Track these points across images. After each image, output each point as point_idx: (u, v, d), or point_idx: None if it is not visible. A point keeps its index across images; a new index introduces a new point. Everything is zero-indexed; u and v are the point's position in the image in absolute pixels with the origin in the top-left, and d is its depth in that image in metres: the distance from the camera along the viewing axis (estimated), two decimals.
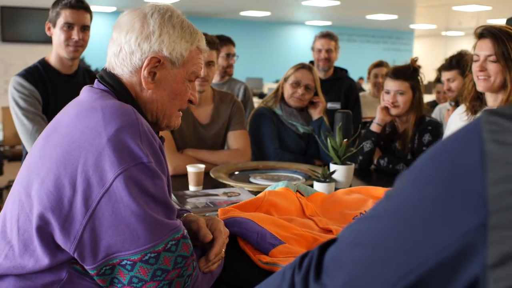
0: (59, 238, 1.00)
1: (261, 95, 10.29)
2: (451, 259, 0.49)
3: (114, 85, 1.17)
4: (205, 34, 2.44)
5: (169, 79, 1.20)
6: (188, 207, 1.74)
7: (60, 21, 2.37)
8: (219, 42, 3.42)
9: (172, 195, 1.87)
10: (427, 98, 5.65)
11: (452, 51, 3.47)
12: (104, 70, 1.21)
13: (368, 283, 0.55)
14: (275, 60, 14.29)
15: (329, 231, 1.49)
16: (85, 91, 1.17)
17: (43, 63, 2.48)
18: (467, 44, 2.25)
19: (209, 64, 2.42)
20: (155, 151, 1.05)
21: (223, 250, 1.22)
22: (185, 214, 1.32)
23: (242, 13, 12.87)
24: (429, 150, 0.57)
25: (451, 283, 0.50)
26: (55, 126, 1.10)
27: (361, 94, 4.04)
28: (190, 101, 1.28)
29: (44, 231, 1.01)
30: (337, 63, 3.71)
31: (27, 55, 6.01)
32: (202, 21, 12.93)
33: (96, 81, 1.20)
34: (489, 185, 0.48)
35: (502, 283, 0.46)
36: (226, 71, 3.51)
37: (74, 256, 1.01)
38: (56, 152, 1.03)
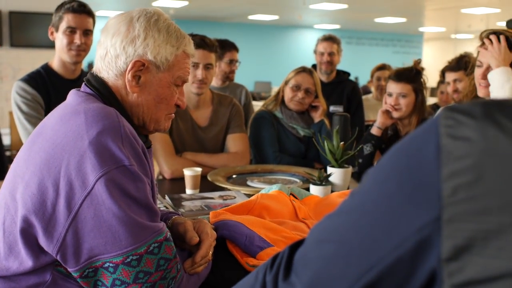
0: (42, 240, 1.00)
1: None
2: (410, 253, 0.50)
3: (99, 89, 1.18)
4: (204, 37, 2.47)
5: (154, 83, 1.20)
6: (182, 210, 1.74)
7: (63, 25, 2.39)
8: (223, 47, 3.44)
9: (167, 198, 1.87)
10: (433, 101, 5.61)
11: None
12: (91, 73, 1.22)
13: (332, 279, 0.56)
14: (284, 64, 14.27)
15: None
16: (71, 94, 1.18)
17: (46, 68, 2.49)
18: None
19: (207, 67, 2.42)
20: (138, 154, 1.06)
21: (210, 252, 1.22)
22: (173, 217, 1.32)
23: (251, 17, 12.90)
24: (392, 147, 0.57)
25: (411, 277, 0.50)
26: (41, 130, 1.11)
27: (364, 97, 4.03)
28: (177, 106, 1.28)
29: (27, 234, 1.01)
30: (346, 67, 3.70)
31: (35, 60, 6.06)
32: (211, 25, 12.98)
33: (83, 84, 1.20)
34: (443, 180, 0.48)
35: (455, 276, 0.46)
36: (228, 77, 3.51)
37: (57, 259, 1.01)
38: (40, 156, 1.04)
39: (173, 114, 1.30)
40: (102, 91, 1.17)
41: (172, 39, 1.20)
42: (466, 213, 0.46)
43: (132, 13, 1.20)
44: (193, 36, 2.46)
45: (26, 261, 1.02)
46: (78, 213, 0.99)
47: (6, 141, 4.92)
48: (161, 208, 1.79)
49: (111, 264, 1.00)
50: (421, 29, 15.18)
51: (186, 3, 9.84)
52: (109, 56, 1.18)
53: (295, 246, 0.64)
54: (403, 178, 0.52)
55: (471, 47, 12.83)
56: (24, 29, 6.12)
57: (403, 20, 12.75)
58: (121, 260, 1.00)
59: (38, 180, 1.01)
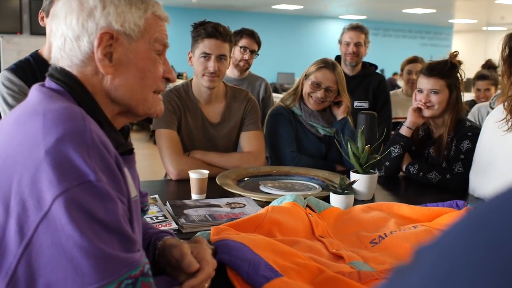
0: None
1: None
2: None
3: (65, 80, 0.96)
4: (217, 25, 2.23)
5: (130, 56, 0.98)
6: (183, 220, 1.53)
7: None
8: (240, 32, 3.20)
9: (168, 205, 1.66)
10: (467, 96, 5.28)
11: (493, 47, 3.14)
12: (52, 66, 1.00)
13: None
14: (308, 55, 13.94)
15: (339, 257, 1.25)
16: (33, 90, 0.96)
17: (35, 56, 2.29)
18: None
19: (220, 58, 2.19)
20: (108, 166, 0.84)
21: (206, 285, 1.02)
22: (165, 237, 1.11)
23: (275, 7, 12.64)
24: (464, 218, 0.34)
25: None
26: None
27: (392, 92, 3.74)
28: (167, 79, 1.06)
29: None
30: (372, 59, 3.41)
31: None
32: (234, 14, 12.76)
33: (46, 79, 0.99)
34: None
35: None
36: (239, 64, 3.24)
37: None
38: None
39: (161, 96, 1.08)
40: (68, 83, 0.96)
41: (136, 2, 0.99)
42: None
43: None
44: (205, 23, 2.23)
45: None
46: (32, 240, 0.78)
47: None
48: (159, 217, 1.59)
49: None
50: (451, 20, 14.73)
51: None
52: (68, 42, 0.96)
53: None
54: (491, 273, 0.31)
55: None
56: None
57: (433, 11, 12.35)
58: None
59: None
